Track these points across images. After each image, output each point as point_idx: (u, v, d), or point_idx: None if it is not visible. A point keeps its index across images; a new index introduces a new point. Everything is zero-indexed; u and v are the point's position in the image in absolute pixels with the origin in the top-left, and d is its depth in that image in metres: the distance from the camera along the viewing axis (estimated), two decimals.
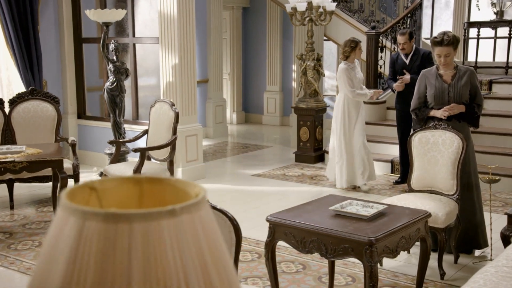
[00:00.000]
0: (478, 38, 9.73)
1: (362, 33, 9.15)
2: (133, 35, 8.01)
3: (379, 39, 8.84)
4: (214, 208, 2.54)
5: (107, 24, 7.19)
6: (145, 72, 8.69)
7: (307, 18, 8.62)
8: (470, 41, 10.38)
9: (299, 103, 8.86)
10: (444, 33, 4.96)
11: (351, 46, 6.69)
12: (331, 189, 7.29)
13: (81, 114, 8.79)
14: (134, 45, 8.02)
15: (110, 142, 6.57)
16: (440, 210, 4.48)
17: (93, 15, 7.03)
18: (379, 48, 8.84)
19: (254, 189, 7.28)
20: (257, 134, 11.65)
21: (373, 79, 8.84)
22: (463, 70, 5.03)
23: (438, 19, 11.44)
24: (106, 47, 7.48)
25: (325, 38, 10.31)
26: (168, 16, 7.37)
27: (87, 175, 7.74)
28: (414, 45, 7.13)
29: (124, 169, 6.15)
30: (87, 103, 8.80)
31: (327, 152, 8.67)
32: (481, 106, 5.05)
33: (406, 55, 7.08)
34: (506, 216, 4.26)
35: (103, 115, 8.72)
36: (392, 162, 8.03)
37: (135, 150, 6.11)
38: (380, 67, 9.02)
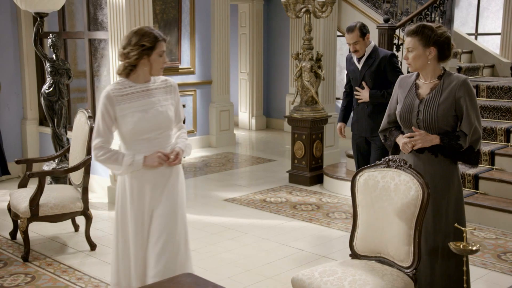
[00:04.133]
0: None
1: None
2: (88, 28, 6.75)
3: (395, 35, 7.13)
4: None
5: (41, 15, 5.96)
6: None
7: (303, 9, 7.05)
8: None
9: (293, 112, 7.31)
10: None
11: (141, 47, 3.18)
12: (309, 224, 5.75)
13: (43, 120, 7.65)
14: (89, 40, 6.76)
15: (18, 161, 5.32)
16: None
17: (21, 2, 5.81)
18: (394, 46, 7.13)
19: (212, 221, 5.83)
20: (270, 144, 10.15)
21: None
22: (449, 80, 3.38)
23: (486, 11, 9.46)
24: (42, 43, 6.28)
25: (339, 33, 8.69)
26: (116, 5, 6.06)
27: None
28: (374, 44, 5.17)
29: (26, 197, 4.87)
30: None
31: (327, 174, 7.11)
32: (471, 137, 3.33)
33: (361, 57, 5.16)
34: None
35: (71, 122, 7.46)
36: None
37: (29, 175, 4.83)
38: None
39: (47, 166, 6.24)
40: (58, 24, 7.18)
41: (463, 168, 6.20)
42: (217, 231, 5.54)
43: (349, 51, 5.27)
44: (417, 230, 3.11)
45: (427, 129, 3.38)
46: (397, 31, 7.21)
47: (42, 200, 4.76)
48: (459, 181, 3.46)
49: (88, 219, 4.99)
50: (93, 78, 6.82)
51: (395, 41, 7.15)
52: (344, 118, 5.51)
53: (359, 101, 5.15)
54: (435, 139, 3.35)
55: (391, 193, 3.20)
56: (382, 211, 3.24)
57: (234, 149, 9.66)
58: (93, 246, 5.01)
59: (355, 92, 5.18)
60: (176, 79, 9.15)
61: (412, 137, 3.37)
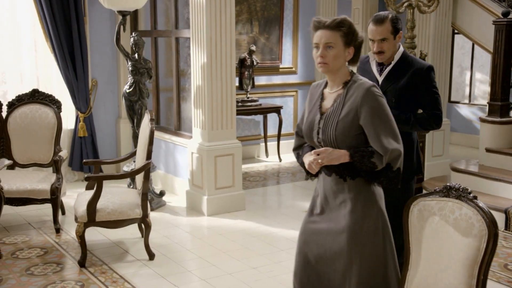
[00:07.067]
0: None
1: None
2: (176, 27, 6.56)
3: None
4: None
5: (123, 13, 5.84)
6: None
7: (405, 3, 6.33)
8: None
9: None
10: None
11: None
12: None
13: None
14: (176, 39, 6.57)
15: (85, 163, 5.21)
16: None
17: (103, 0, 5.72)
18: None
19: (285, 236, 5.35)
20: None
21: (501, 90, 6.23)
22: (352, 90, 2.72)
23: None
24: (133, 42, 6.16)
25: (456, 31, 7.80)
26: (198, 3, 5.79)
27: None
28: (403, 49, 3.58)
29: (87, 200, 4.73)
30: None
31: (426, 189, 6.37)
32: (389, 156, 2.65)
33: (381, 65, 3.62)
34: None
35: (168, 123, 7.23)
36: (506, 212, 5.48)
37: (86, 178, 4.66)
38: None
39: (127, 167, 6.13)
40: (150, 23, 7.08)
41: None
42: (287, 247, 5.06)
43: (368, 53, 3.75)
44: (480, 281, 2.45)
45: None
46: None
47: (100, 205, 4.59)
48: (379, 211, 2.76)
49: (147, 227, 4.74)
50: (179, 77, 6.64)
51: None
52: None
53: None
54: (344, 156, 2.67)
55: (449, 230, 2.56)
56: (437, 251, 2.60)
57: None
58: (151, 256, 4.76)
59: None
60: (276, 79, 8.85)
61: (319, 154, 2.71)
